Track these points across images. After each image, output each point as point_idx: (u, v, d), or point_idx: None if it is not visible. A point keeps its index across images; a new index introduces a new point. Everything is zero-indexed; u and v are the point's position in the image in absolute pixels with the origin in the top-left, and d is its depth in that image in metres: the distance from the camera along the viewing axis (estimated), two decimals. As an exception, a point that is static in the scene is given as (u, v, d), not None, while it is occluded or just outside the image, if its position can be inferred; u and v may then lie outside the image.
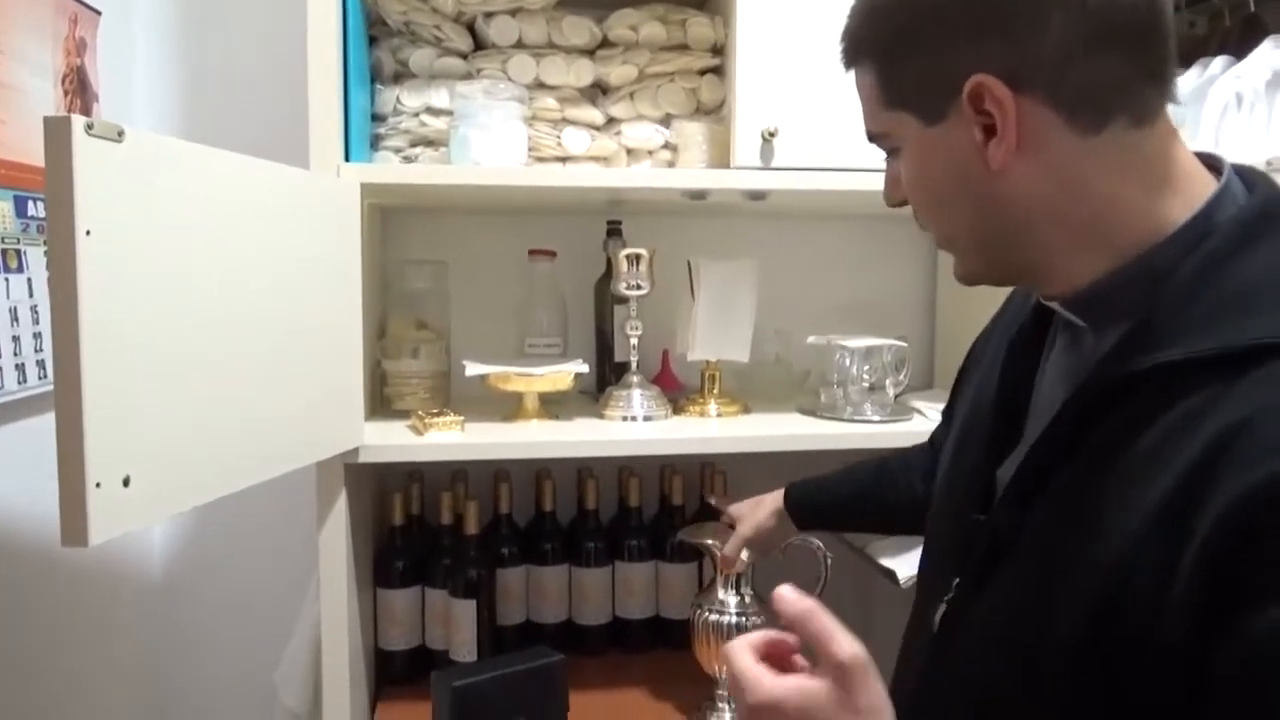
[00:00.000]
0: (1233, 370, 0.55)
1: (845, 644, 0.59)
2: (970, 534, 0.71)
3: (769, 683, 0.61)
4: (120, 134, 0.75)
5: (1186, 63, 1.29)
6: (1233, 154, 1.18)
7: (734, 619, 1.30)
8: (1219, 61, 1.25)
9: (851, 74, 0.71)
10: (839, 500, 1.20)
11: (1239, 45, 1.25)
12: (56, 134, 0.71)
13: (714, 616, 1.31)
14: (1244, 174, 0.65)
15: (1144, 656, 0.54)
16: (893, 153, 0.71)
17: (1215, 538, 0.52)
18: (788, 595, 0.62)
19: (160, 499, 0.82)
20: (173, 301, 0.84)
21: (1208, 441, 0.54)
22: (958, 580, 0.71)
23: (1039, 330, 0.74)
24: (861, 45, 0.69)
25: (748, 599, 1.32)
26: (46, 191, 0.71)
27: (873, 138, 0.72)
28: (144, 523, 0.79)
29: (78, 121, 0.71)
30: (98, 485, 0.74)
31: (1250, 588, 0.50)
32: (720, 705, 1.35)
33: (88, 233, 0.73)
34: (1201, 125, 1.22)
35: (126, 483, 0.77)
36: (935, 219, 0.71)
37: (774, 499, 1.23)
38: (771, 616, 0.73)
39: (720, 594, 1.32)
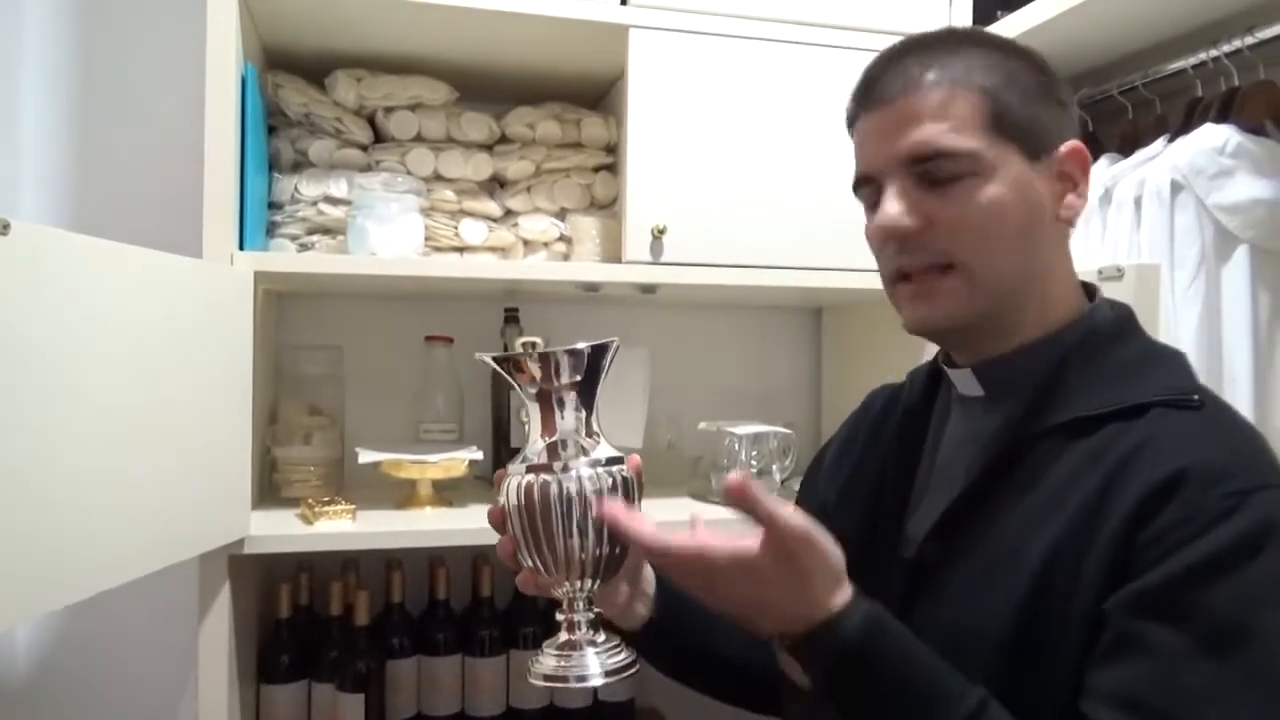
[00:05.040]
0: (1125, 420, 0.72)
1: (785, 514, 0.65)
2: (884, 579, 0.80)
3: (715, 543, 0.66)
4: (6, 227, 0.75)
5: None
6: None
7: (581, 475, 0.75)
8: (1063, 174, 1.38)
9: (919, 95, 0.76)
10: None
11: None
12: (-62, 228, 0.71)
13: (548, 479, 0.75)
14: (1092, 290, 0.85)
15: (1067, 629, 0.67)
16: (952, 180, 0.74)
17: (1127, 519, 0.67)
18: (734, 478, 0.66)
19: (31, 597, 0.79)
20: (54, 395, 0.83)
21: (1114, 461, 0.70)
22: None
23: (923, 416, 0.89)
24: (972, 76, 0.76)
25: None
26: (-75, 285, 0.71)
27: (939, 155, 0.74)
28: (14, 623, 0.77)
29: (-39, 215, 0.71)
30: (-38, 585, 0.72)
31: (1150, 548, 0.65)
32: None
33: (-34, 326, 0.72)
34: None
35: (-6, 582, 0.75)
36: (991, 249, 0.75)
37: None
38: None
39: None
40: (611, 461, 0.78)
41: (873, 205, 0.81)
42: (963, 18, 1.47)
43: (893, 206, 0.76)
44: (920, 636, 0.75)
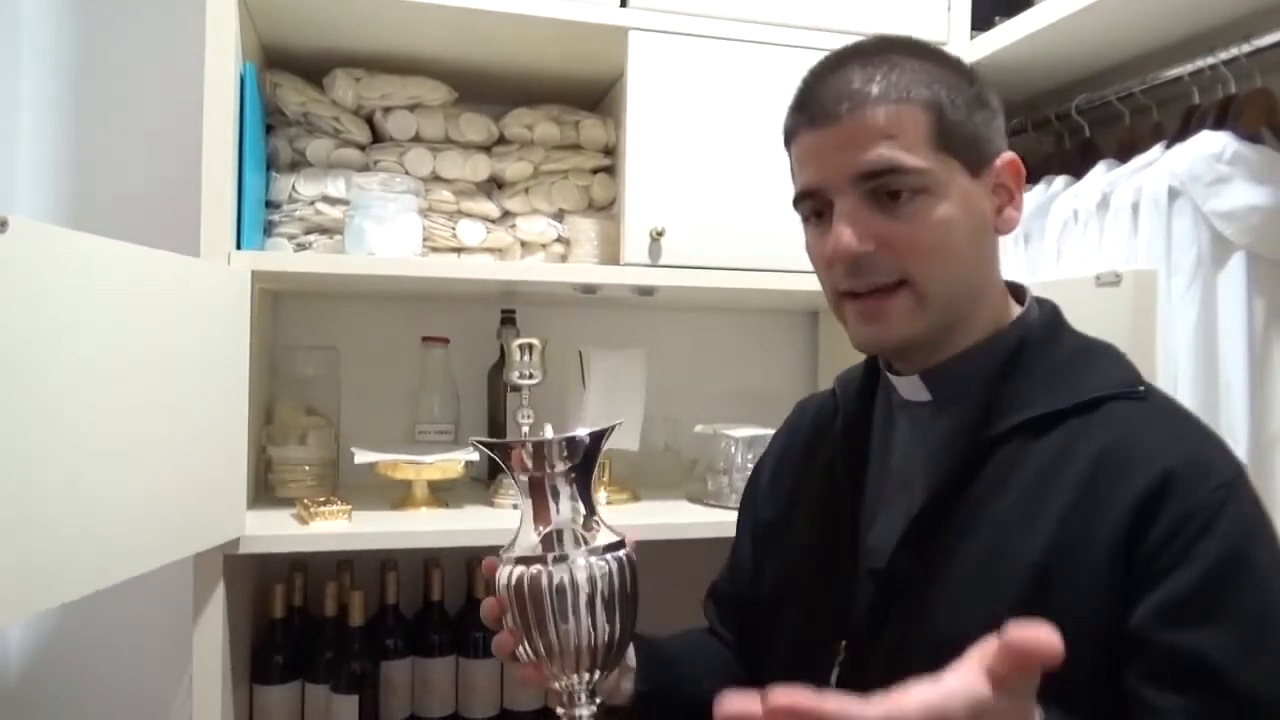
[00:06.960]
0: (1081, 414, 0.73)
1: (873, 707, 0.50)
2: (850, 593, 0.79)
3: None
4: (3, 224, 0.75)
5: (1032, 180, 1.42)
6: (1069, 266, 1.31)
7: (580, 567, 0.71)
8: (1060, 180, 1.39)
9: (868, 110, 0.73)
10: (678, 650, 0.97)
11: (1078, 166, 1.39)
12: (-64, 224, 0.70)
13: (541, 570, 0.71)
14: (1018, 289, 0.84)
15: (1074, 633, 0.64)
16: (904, 199, 0.73)
17: (1126, 526, 0.67)
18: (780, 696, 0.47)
19: (25, 595, 0.79)
20: (49, 392, 0.82)
21: (1087, 462, 0.71)
22: (845, 641, 0.78)
23: (865, 423, 0.87)
24: (916, 90, 0.74)
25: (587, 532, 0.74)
26: (-79, 281, 0.70)
27: (892, 170, 0.73)
28: (7, 621, 0.76)
29: (-41, 212, 0.71)
30: (-43, 583, 0.71)
31: (1161, 554, 0.66)
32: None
33: (-37, 322, 0.71)
34: (1045, 237, 1.35)
35: (-11, 580, 0.74)
36: (942, 267, 0.75)
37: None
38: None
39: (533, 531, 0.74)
40: (611, 547, 0.73)
41: (812, 218, 0.80)
42: (961, 23, 1.47)
43: (845, 231, 0.74)
44: (898, 647, 0.75)
